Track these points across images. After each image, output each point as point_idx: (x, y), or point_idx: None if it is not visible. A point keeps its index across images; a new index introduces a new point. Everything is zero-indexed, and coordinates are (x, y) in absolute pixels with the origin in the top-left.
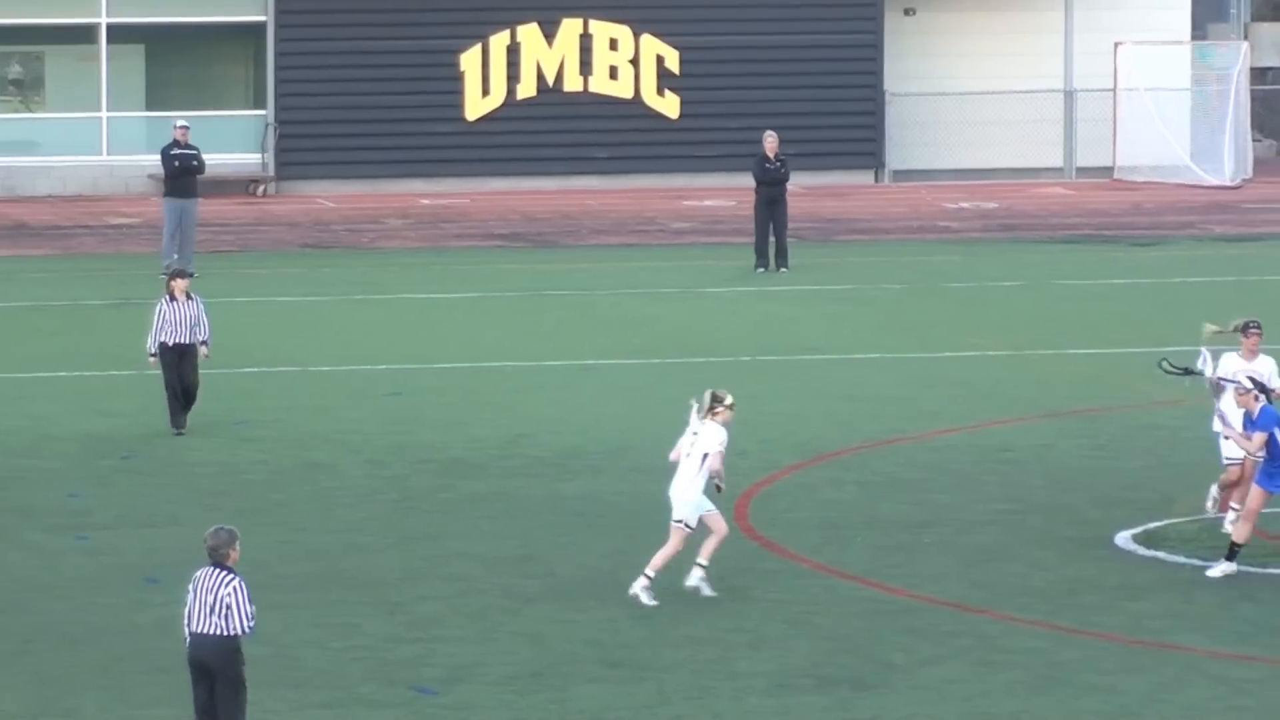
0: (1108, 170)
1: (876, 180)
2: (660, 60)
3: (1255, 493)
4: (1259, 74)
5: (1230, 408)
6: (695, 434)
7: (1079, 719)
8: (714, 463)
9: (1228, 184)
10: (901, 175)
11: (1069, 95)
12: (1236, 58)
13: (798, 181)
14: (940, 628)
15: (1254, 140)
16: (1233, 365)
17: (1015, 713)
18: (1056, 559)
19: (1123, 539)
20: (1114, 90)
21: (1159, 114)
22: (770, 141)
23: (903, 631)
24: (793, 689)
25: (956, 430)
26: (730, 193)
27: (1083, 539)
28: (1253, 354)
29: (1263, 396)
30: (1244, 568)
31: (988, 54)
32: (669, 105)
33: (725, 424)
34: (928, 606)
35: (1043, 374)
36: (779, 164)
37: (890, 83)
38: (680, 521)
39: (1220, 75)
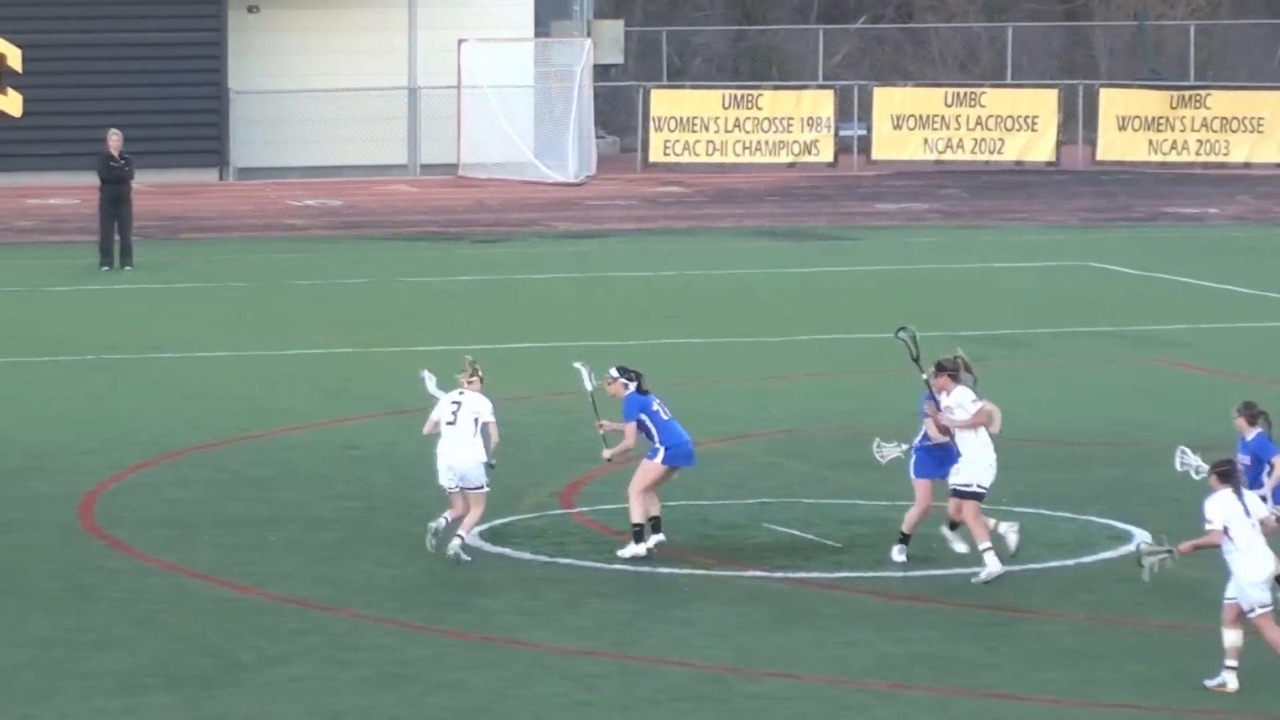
0: (453, 167)
1: (221, 178)
2: (1, 58)
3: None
4: (602, 71)
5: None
6: (457, 403)
7: (427, 716)
8: (495, 434)
9: (571, 181)
10: (247, 173)
11: (413, 93)
12: (580, 55)
13: (142, 179)
14: (288, 625)
15: (597, 137)
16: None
17: (363, 710)
18: (404, 557)
19: (471, 535)
20: (458, 88)
21: (503, 111)
22: (114, 140)
23: (251, 630)
24: (141, 688)
25: (304, 428)
26: (74, 191)
27: None
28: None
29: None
30: (590, 564)
31: (333, 51)
32: (11, 103)
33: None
34: (276, 604)
35: (389, 371)
36: (123, 162)
37: (235, 80)
38: (481, 487)
39: (564, 72)
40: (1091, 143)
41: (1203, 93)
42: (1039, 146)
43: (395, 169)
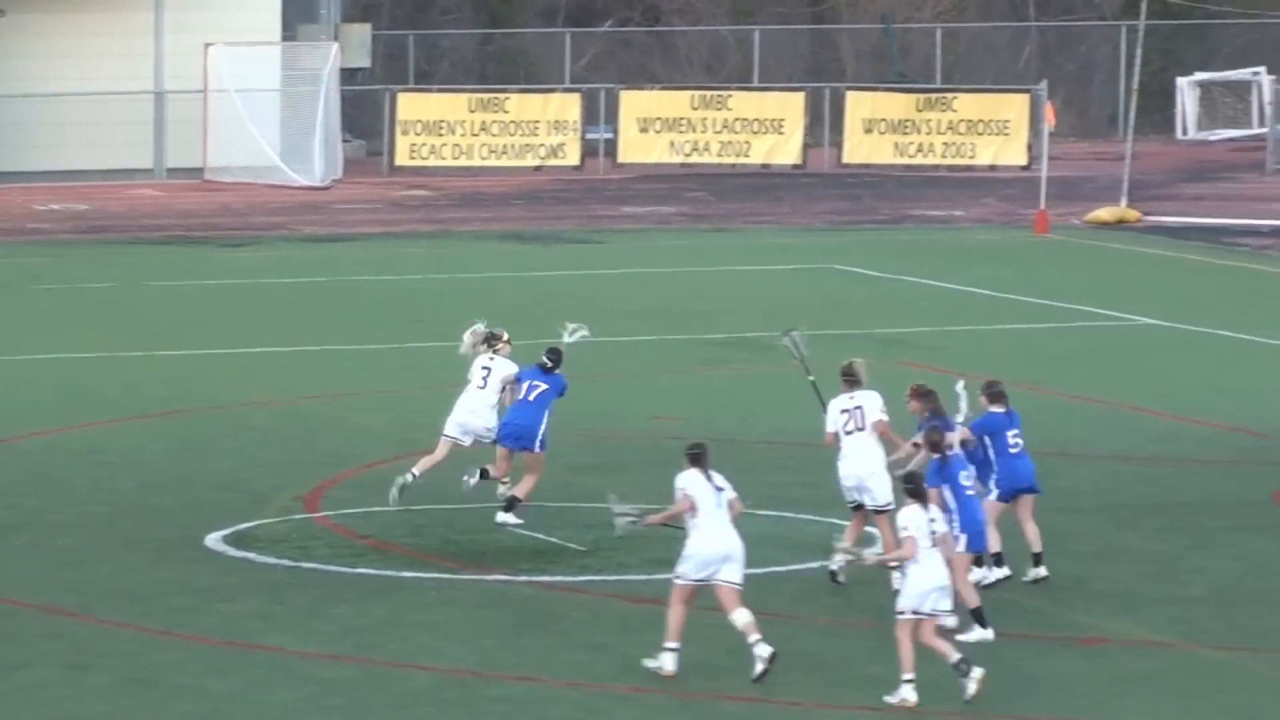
0: (199, 171)
1: None
2: None
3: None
4: (349, 75)
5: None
6: (487, 368)
7: None
8: (508, 396)
9: (318, 184)
10: None
11: (159, 97)
12: (327, 59)
13: None
14: (30, 631)
15: (344, 141)
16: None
17: (105, 715)
18: (147, 561)
19: (213, 540)
20: (204, 91)
21: (250, 115)
22: None
23: None
24: None
25: (47, 432)
26: None
27: (173, 540)
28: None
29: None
30: (335, 568)
31: (80, 55)
32: None
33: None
34: (18, 610)
35: (133, 375)
36: None
37: None
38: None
39: (310, 76)
40: (838, 145)
41: (949, 95)
42: (785, 149)
43: (141, 173)
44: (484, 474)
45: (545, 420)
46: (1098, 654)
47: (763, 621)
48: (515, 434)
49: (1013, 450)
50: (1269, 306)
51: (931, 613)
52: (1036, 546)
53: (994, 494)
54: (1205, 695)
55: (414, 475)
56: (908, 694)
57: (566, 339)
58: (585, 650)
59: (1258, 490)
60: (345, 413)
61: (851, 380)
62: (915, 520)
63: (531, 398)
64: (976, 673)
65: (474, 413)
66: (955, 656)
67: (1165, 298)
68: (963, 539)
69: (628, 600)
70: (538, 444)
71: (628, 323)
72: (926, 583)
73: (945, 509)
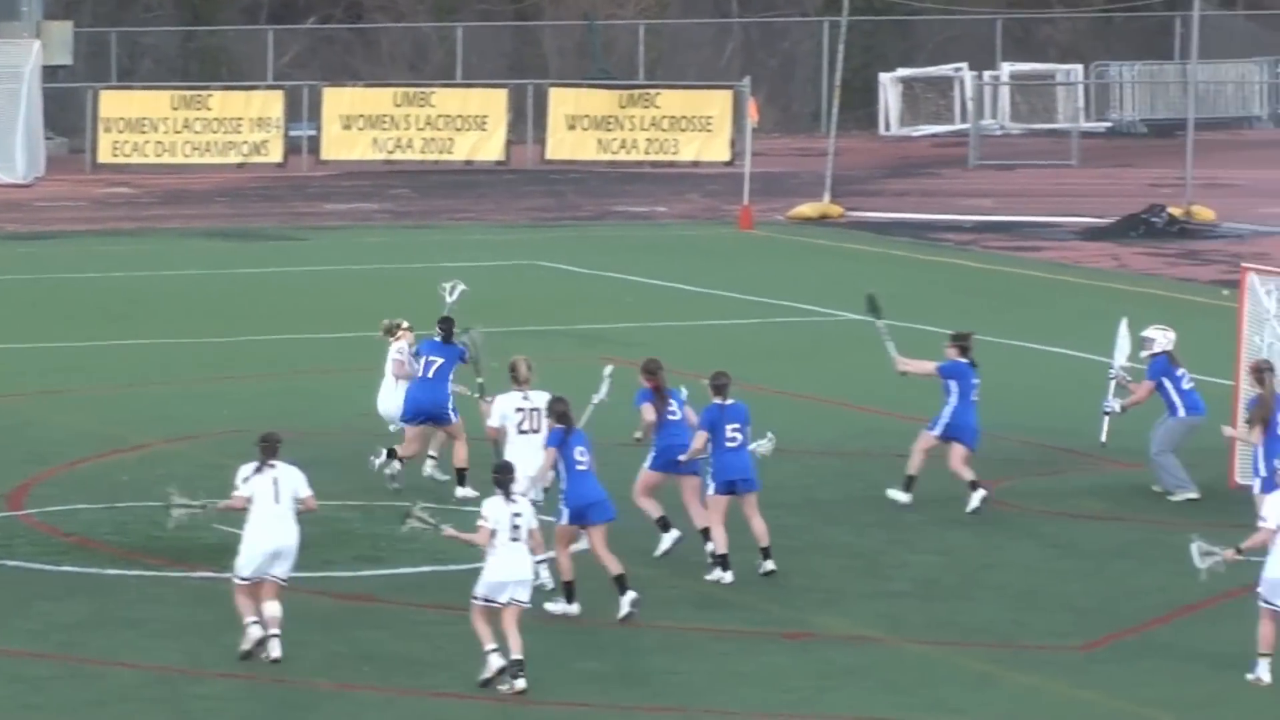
0: None
1: None
2: None
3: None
4: (50, 72)
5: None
6: (394, 358)
7: None
8: (399, 369)
9: (20, 182)
10: None
11: None
12: (28, 56)
13: None
14: None
15: (46, 138)
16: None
17: None
18: None
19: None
20: None
21: None
22: None
23: None
24: None
25: None
26: None
27: None
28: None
29: None
30: (38, 566)
31: None
32: None
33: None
34: None
35: None
36: None
37: None
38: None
39: (11, 73)
40: (541, 142)
41: (652, 92)
42: (488, 146)
43: None
44: (391, 454)
45: (450, 390)
46: (804, 648)
47: (468, 619)
48: (426, 412)
49: (729, 444)
50: (972, 302)
51: (510, 602)
52: (764, 540)
53: (711, 488)
54: (911, 688)
55: (399, 465)
56: (493, 662)
57: (449, 300)
58: (291, 646)
59: (956, 484)
60: (49, 411)
61: (519, 379)
62: (495, 512)
63: (430, 374)
64: (520, 684)
65: (385, 400)
66: (513, 657)
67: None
68: (565, 512)
69: (333, 596)
70: (451, 414)
71: (330, 320)
72: (502, 574)
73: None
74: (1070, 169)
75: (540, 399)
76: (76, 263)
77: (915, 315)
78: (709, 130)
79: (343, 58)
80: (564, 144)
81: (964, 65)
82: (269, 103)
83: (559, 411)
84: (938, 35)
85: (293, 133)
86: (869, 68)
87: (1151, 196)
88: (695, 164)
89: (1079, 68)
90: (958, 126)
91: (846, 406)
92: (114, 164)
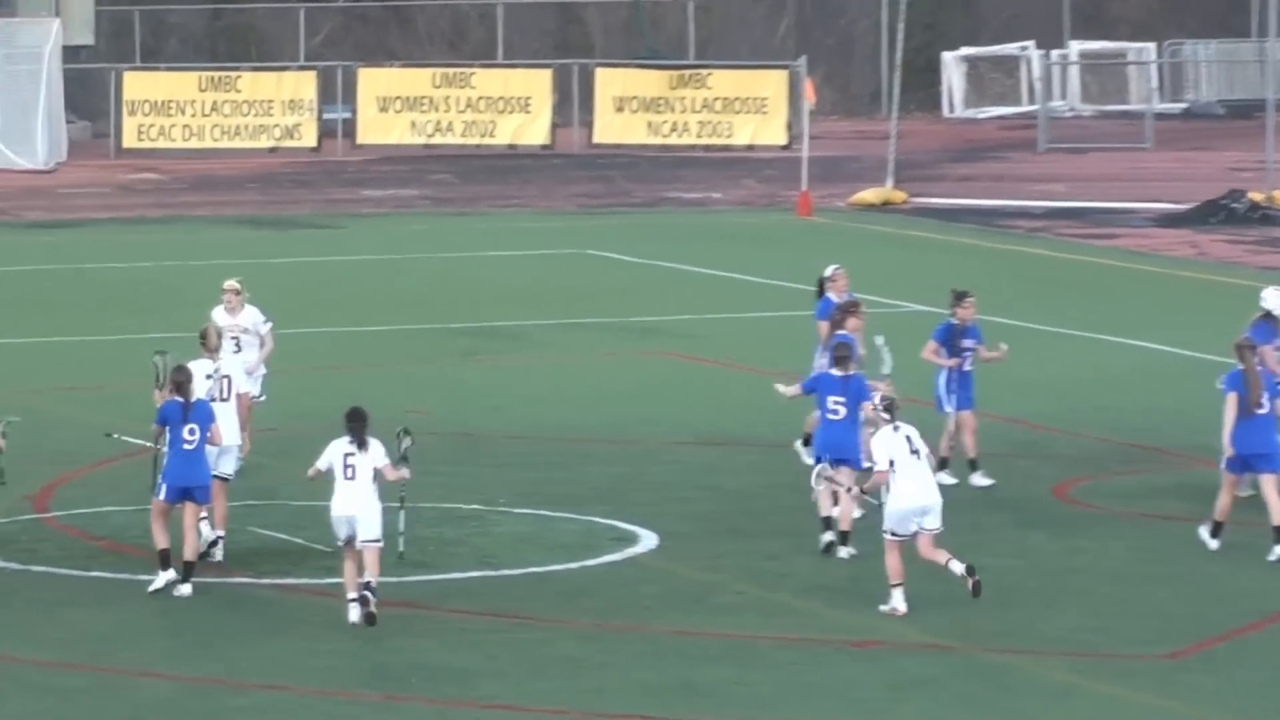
0: None
1: None
2: None
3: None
4: (71, 52)
5: None
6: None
7: None
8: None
9: (41, 168)
10: None
11: None
12: (48, 36)
13: None
14: None
15: (68, 122)
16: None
17: None
18: None
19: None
20: None
21: None
22: None
23: None
24: None
25: None
26: None
27: None
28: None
29: None
30: (66, 571)
31: None
32: None
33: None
34: None
35: None
36: None
37: None
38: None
39: (31, 54)
40: (588, 125)
41: (703, 72)
42: (533, 129)
43: None
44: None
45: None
46: (874, 657)
47: (520, 626)
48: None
49: (831, 416)
50: (1043, 292)
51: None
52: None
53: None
54: (988, 700)
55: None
56: None
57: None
58: (334, 656)
59: (1036, 485)
60: (76, 408)
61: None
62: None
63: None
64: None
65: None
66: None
67: (935, 283)
68: None
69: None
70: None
71: (370, 312)
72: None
73: None
74: (1144, 152)
75: (231, 365)
76: (101, 252)
77: (984, 308)
78: (764, 112)
79: (378, 36)
80: (612, 127)
81: (1030, 43)
82: (301, 84)
83: (177, 382)
84: (1003, 12)
85: (326, 115)
86: (931, 46)
87: (1231, 181)
88: (750, 148)
89: (1151, 46)
90: (1025, 108)
91: (914, 403)
92: (139, 149)
